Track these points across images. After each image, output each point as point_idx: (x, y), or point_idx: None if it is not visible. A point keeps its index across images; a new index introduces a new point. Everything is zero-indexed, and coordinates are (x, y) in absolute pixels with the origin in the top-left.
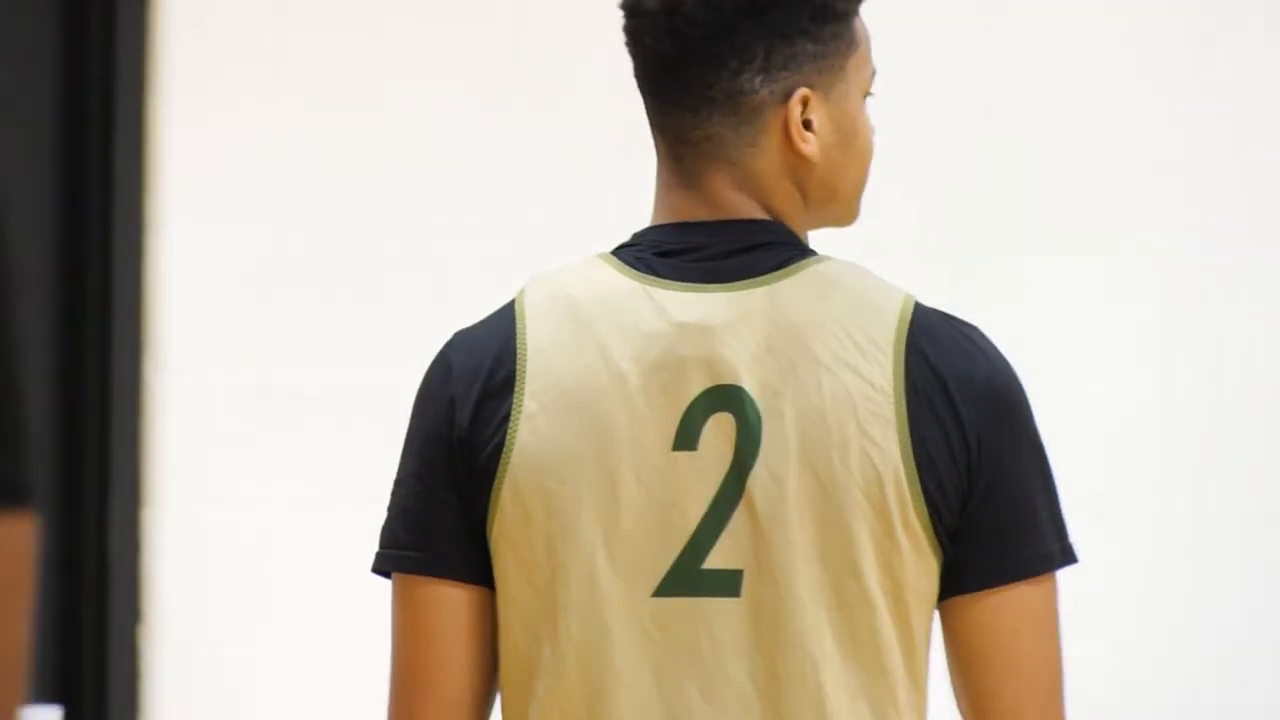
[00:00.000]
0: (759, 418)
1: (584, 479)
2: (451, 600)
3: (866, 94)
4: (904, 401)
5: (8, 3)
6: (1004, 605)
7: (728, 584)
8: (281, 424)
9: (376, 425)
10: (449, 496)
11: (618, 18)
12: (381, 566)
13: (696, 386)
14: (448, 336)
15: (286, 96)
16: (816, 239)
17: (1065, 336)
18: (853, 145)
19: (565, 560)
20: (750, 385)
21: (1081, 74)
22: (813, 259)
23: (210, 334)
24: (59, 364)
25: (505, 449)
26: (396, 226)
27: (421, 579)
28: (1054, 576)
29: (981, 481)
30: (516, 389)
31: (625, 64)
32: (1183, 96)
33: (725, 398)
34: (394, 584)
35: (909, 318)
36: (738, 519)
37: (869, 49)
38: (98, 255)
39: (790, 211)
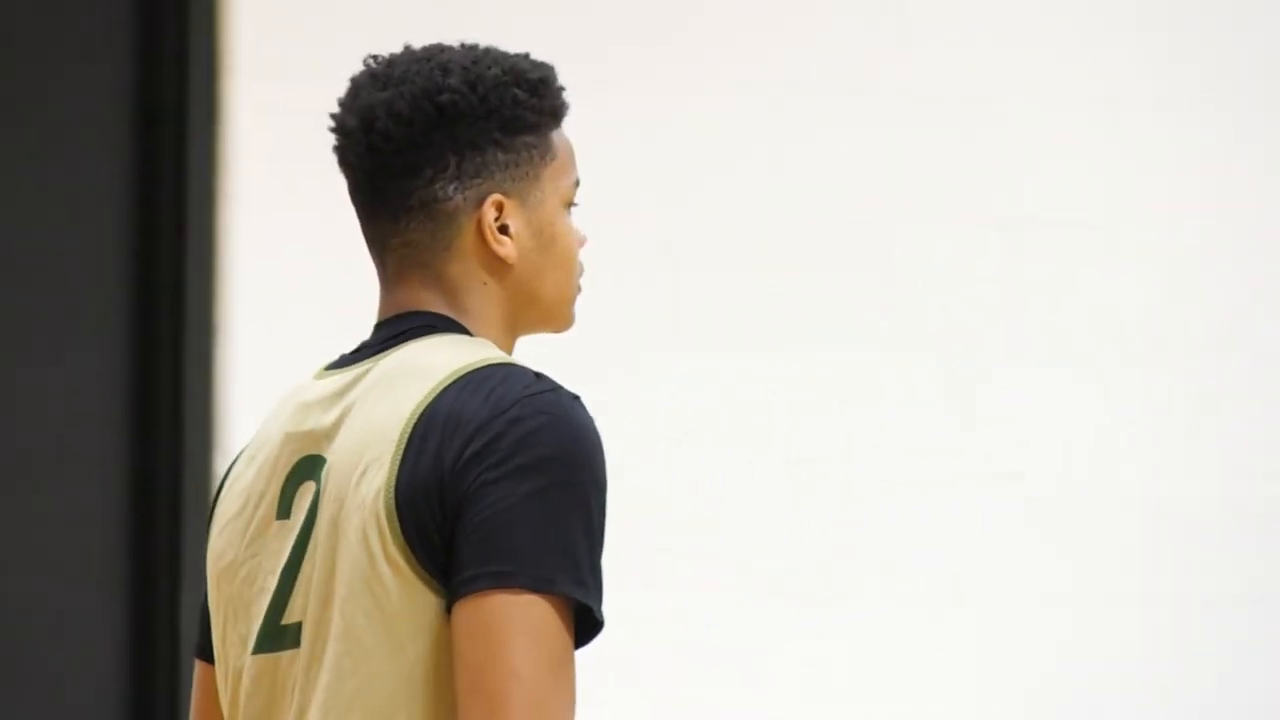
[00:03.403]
0: (326, 481)
1: (225, 553)
2: (205, 675)
3: (569, 203)
4: (404, 445)
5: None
6: (466, 617)
7: (295, 636)
8: None
9: None
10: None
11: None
12: None
13: (294, 459)
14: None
15: None
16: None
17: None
18: (552, 250)
19: (215, 627)
20: (326, 452)
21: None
22: (429, 333)
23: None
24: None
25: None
26: None
27: (198, 660)
28: (521, 599)
29: (458, 508)
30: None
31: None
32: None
33: (311, 467)
34: None
35: (465, 371)
36: (303, 576)
37: (570, 159)
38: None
39: (486, 313)
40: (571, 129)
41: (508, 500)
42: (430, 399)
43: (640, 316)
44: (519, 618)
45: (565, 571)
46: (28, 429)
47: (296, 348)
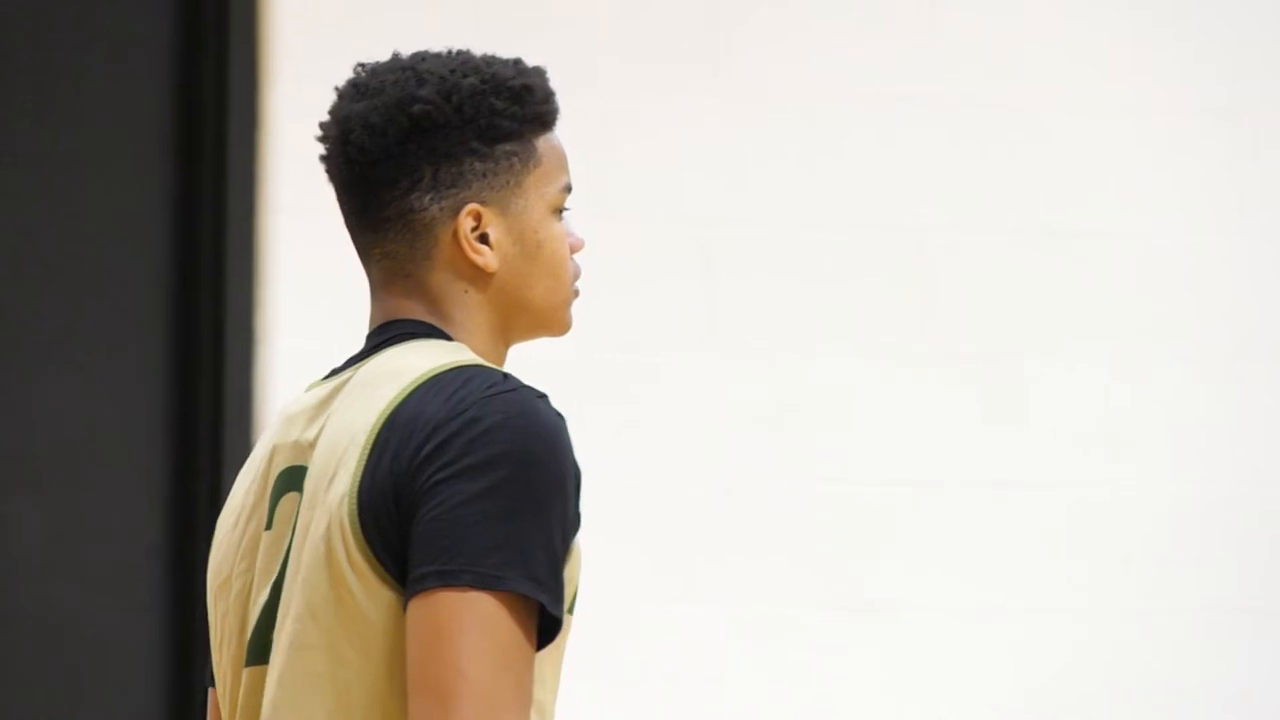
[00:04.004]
0: (306, 490)
1: (221, 568)
2: (215, 700)
3: (558, 208)
4: (369, 449)
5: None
6: (415, 616)
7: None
8: None
9: None
10: None
11: None
12: None
13: (276, 470)
14: None
15: None
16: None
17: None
18: (539, 257)
19: (213, 644)
20: (309, 462)
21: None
22: (408, 339)
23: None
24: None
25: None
26: None
27: (209, 688)
28: (467, 596)
29: (412, 508)
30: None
31: None
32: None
33: (295, 478)
34: None
35: (433, 374)
36: (285, 590)
37: (558, 165)
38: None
39: (472, 321)
40: (603, 135)
41: (457, 499)
42: (397, 402)
43: (675, 321)
44: (465, 615)
45: (516, 568)
46: (65, 437)
47: (338, 354)
